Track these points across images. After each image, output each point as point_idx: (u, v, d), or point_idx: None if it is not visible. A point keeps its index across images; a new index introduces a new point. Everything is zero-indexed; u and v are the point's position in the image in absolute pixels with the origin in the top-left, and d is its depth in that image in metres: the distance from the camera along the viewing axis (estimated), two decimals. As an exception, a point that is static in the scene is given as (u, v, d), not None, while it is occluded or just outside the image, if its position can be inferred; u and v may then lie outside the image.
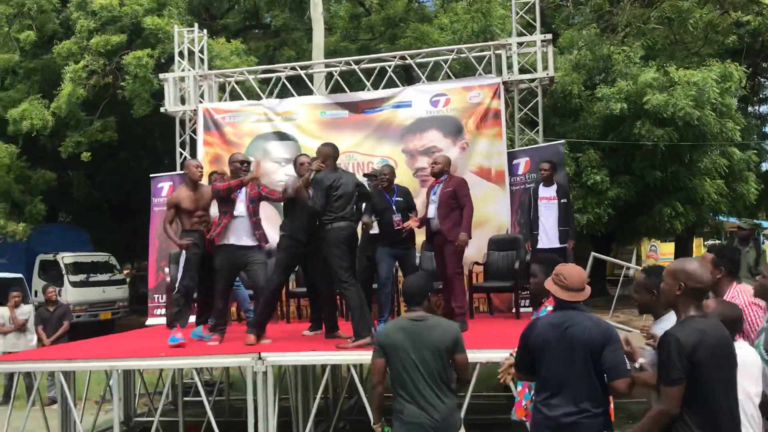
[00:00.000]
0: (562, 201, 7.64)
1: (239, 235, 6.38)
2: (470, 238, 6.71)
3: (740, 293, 4.17)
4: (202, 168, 6.90)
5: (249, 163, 6.66)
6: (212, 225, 6.60)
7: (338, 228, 5.95)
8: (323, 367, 6.19)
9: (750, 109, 18.82)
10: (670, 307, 3.37)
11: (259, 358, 5.60)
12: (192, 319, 7.03)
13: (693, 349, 3.01)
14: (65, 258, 17.14)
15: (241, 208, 6.43)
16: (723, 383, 3.09)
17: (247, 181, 6.38)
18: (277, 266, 6.38)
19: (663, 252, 27.78)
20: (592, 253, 9.17)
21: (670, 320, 3.41)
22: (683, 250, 17.78)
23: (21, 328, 9.89)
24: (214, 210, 6.74)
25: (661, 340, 3.16)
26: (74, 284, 16.88)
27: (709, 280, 3.29)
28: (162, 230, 9.53)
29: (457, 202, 6.59)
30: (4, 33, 14.96)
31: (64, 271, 16.86)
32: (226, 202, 6.42)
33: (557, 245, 7.52)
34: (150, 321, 9.65)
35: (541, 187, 7.80)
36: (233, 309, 8.51)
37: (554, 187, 7.73)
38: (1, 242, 15.63)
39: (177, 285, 6.60)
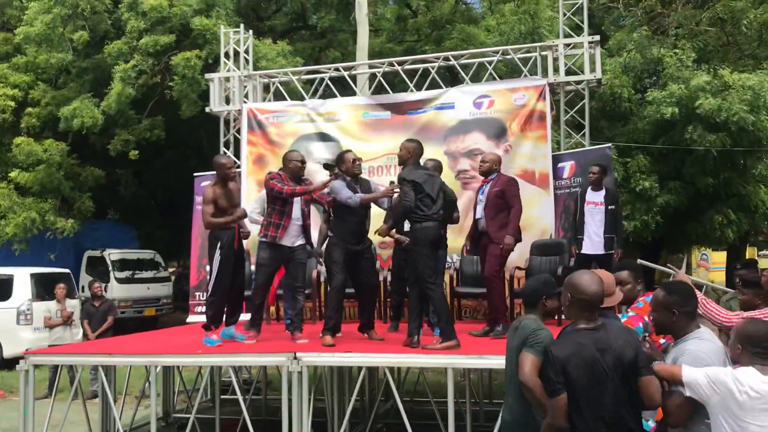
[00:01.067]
0: (609, 207, 7.44)
1: (292, 238, 6.39)
2: (520, 240, 6.59)
3: None
4: (233, 167, 6.74)
5: (305, 163, 6.63)
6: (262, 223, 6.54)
7: (427, 228, 5.89)
8: (359, 368, 6.14)
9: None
10: (568, 318, 3.37)
11: (295, 357, 5.57)
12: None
13: (565, 362, 3.08)
14: (112, 255, 17.49)
15: (297, 212, 6.43)
16: (599, 396, 3.03)
17: (312, 190, 6.35)
18: (335, 265, 6.26)
19: (715, 261, 26.95)
20: (638, 260, 8.91)
21: (691, 340, 3.26)
22: (735, 259, 17.23)
23: (67, 321, 10.10)
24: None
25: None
26: (120, 281, 17.22)
27: (594, 292, 3.22)
28: (203, 230, 9.67)
29: (505, 203, 6.47)
30: (58, 34, 15.30)
31: (110, 268, 17.20)
32: (284, 202, 6.35)
33: (602, 251, 7.32)
34: (191, 318, 9.74)
35: (589, 191, 7.61)
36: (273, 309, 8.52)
37: (603, 192, 7.53)
38: (51, 238, 15.96)
39: (210, 288, 6.44)
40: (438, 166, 6.98)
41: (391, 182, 7.12)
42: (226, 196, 6.43)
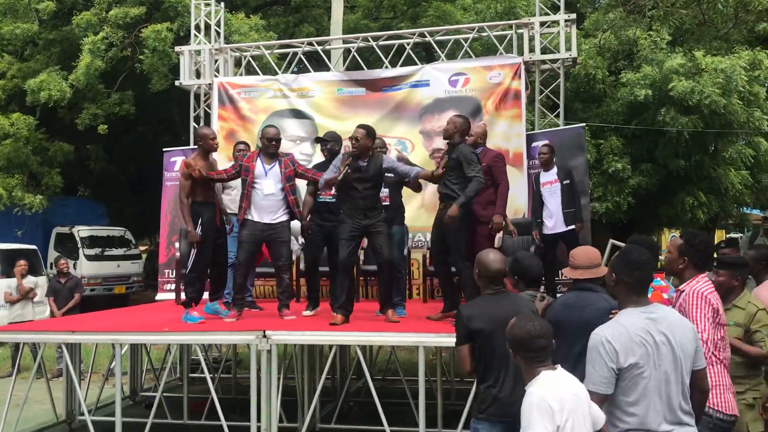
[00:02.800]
0: (564, 182, 7.38)
1: (262, 213, 6.29)
2: (505, 219, 6.53)
3: (699, 283, 3.85)
4: (216, 138, 6.66)
5: (279, 141, 6.55)
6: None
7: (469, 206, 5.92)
8: (330, 347, 6.09)
9: (779, 99, 18.35)
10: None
11: (264, 336, 5.50)
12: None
13: (468, 320, 3.64)
14: (81, 231, 17.21)
15: (271, 186, 6.31)
16: (503, 349, 3.25)
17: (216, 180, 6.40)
18: (340, 242, 6.12)
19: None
20: (611, 240, 8.96)
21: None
22: (704, 242, 17.50)
23: (26, 296, 9.89)
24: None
25: None
26: (89, 258, 16.96)
27: (496, 270, 3.78)
28: (174, 206, 9.55)
29: (491, 179, 6.33)
30: (24, 3, 14.88)
31: (79, 245, 16.93)
32: (244, 182, 6.34)
33: (564, 229, 7.30)
34: (160, 296, 9.60)
35: (542, 172, 7.58)
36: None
37: (554, 170, 7.49)
38: (18, 214, 15.63)
39: (190, 264, 6.34)
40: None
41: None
42: (208, 168, 6.33)
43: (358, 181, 6.02)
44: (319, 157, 8.88)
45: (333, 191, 6.54)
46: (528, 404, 2.74)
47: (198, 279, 6.42)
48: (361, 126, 6.19)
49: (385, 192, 6.59)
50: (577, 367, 3.21)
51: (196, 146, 9.40)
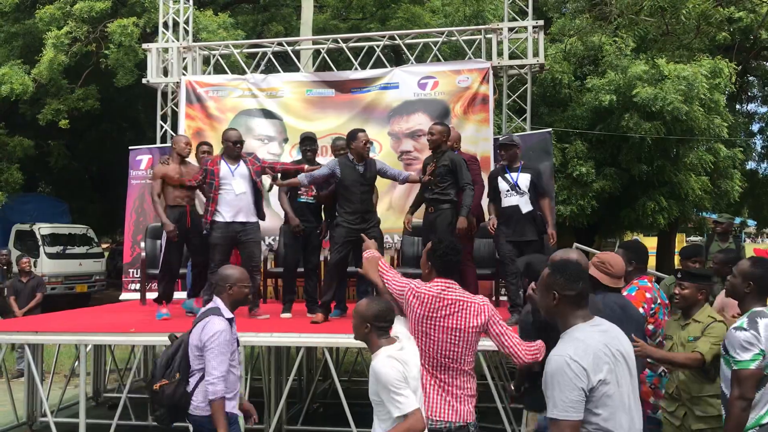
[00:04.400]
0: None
1: (235, 213, 6.36)
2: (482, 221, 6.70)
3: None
4: (191, 145, 6.91)
5: (242, 143, 6.62)
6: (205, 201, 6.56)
7: None
8: (297, 348, 6.09)
9: (738, 106, 18.78)
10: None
11: (232, 337, 5.47)
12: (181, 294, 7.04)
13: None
14: (42, 229, 16.89)
15: (241, 185, 6.38)
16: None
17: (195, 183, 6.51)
18: (334, 245, 6.20)
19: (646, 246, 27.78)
20: (575, 244, 9.09)
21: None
22: (666, 245, 17.79)
23: (-8, 297, 9.70)
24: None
25: None
26: (50, 256, 16.65)
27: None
28: (140, 204, 9.47)
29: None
30: (-16, -5, 14.56)
31: (40, 242, 16.61)
32: (210, 186, 6.40)
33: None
34: (124, 296, 9.48)
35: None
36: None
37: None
38: (-23, 210, 15.33)
39: (160, 264, 6.69)
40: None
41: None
42: (181, 173, 6.58)
43: (356, 184, 6.06)
44: (286, 158, 8.89)
45: (313, 191, 6.59)
46: (392, 370, 3.15)
47: (165, 277, 6.68)
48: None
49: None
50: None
51: (162, 147, 9.46)
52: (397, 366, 3.16)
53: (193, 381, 3.86)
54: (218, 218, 6.33)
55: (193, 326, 3.93)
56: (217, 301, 3.98)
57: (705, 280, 4.24)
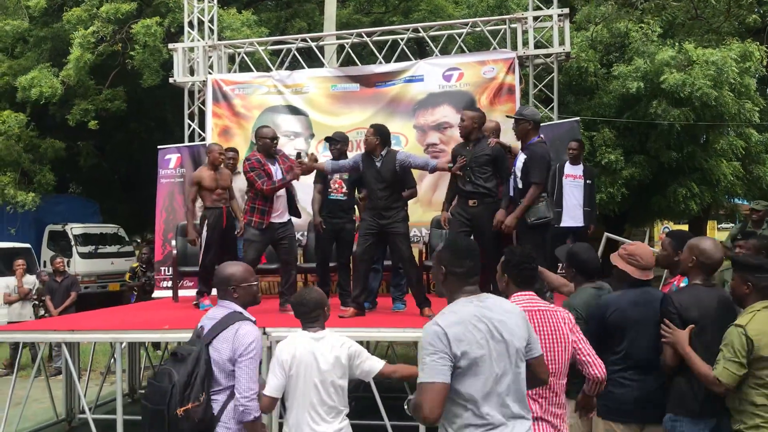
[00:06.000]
0: (587, 182, 7.53)
1: (280, 215, 6.54)
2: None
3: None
4: (224, 154, 7.19)
5: (278, 138, 6.73)
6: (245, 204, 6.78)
7: None
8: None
9: (769, 90, 18.45)
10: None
11: (264, 332, 5.51)
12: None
13: (684, 309, 3.59)
14: (74, 229, 17.12)
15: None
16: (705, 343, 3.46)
17: (289, 181, 6.42)
18: (360, 237, 6.19)
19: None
20: (605, 234, 9.01)
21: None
22: (697, 233, 17.55)
23: (26, 297, 9.90)
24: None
25: None
26: (83, 255, 16.88)
27: (718, 259, 3.67)
28: (168, 203, 9.63)
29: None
30: (14, 1, 14.78)
31: (72, 242, 16.85)
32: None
33: (581, 224, 7.40)
34: (156, 294, 9.61)
35: (567, 164, 7.66)
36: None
37: (581, 166, 7.62)
38: (11, 212, 15.57)
39: (200, 260, 7.05)
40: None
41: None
42: (215, 180, 6.87)
43: (372, 180, 6.03)
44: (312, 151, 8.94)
45: (344, 189, 6.66)
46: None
47: (202, 273, 6.98)
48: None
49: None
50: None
51: (190, 145, 9.58)
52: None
53: (221, 399, 3.35)
54: (272, 220, 6.47)
55: (211, 337, 3.37)
56: (230, 304, 3.49)
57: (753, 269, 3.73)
